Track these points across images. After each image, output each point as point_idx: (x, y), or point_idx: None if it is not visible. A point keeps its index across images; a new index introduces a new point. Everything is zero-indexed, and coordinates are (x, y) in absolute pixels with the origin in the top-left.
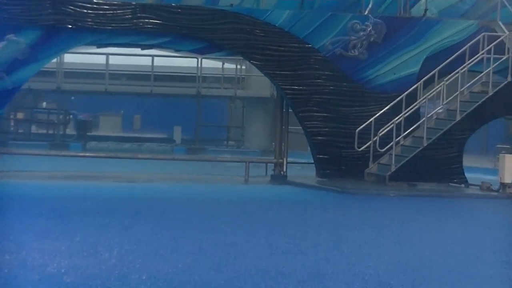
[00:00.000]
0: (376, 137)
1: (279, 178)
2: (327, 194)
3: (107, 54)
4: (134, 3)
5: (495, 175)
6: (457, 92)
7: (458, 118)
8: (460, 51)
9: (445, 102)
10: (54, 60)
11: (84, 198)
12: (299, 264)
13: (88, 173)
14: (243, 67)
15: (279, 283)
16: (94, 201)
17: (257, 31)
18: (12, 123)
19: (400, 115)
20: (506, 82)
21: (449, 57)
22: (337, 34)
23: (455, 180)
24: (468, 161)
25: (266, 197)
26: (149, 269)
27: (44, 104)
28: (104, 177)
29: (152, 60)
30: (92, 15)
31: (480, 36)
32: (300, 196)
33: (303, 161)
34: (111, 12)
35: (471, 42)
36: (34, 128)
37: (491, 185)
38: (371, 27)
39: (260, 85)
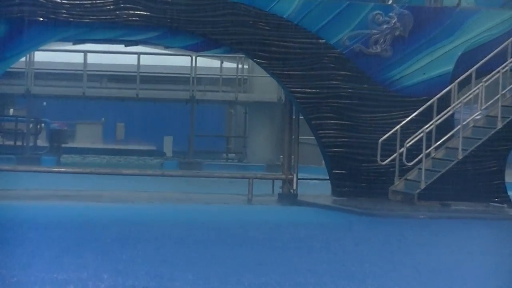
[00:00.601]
0: (403, 149)
1: (288, 197)
2: (345, 216)
3: (85, 52)
4: None
5: None
6: (498, 95)
7: (500, 125)
8: (501, 46)
9: (484, 107)
10: (23, 59)
11: (56, 222)
12: None
13: (62, 192)
14: (245, 66)
15: None
16: (68, 226)
17: (261, 24)
18: None
19: (430, 123)
20: None
21: (488, 54)
22: (356, 27)
23: (496, 199)
24: (511, 176)
25: (273, 220)
26: None
27: (11, 110)
28: (81, 197)
29: (138, 59)
30: (67, 6)
31: None
32: (313, 218)
33: (316, 177)
34: (90, 2)
35: None
36: None
37: None
38: (396, 19)
39: (265, 87)
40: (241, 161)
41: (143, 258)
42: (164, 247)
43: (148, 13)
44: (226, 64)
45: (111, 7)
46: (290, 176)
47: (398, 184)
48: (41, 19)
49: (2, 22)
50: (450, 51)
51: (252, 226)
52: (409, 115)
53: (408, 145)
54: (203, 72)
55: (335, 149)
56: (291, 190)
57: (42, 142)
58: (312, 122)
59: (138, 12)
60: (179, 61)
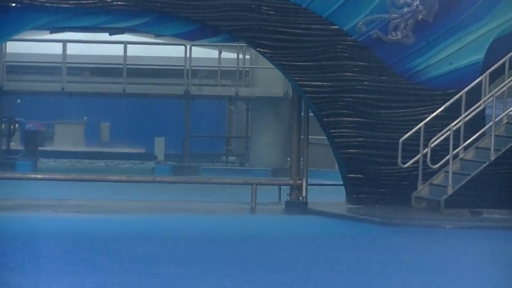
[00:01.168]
0: (427, 149)
1: (297, 205)
2: (362, 226)
3: (64, 42)
4: None
5: None
6: None
7: None
8: None
9: None
10: None
11: (31, 234)
12: None
13: (39, 201)
14: (247, 57)
15: None
16: (45, 239)
17: (264, 8)
18: None
19: (458, 119)
20: None
21: None
22: (373, 11)
23: None
24: None
25: (280, 231)
26: None
27: None
28: (60, 207)
29: (125, 49)
30: None
31: None
32: (325, 229)
33: (328, 182)
34: None
35: None
36: None
37: None
38: (418, 2)
39: (270, 81)
40: (243, 165)
41: (129, 277)
42: (154, 264)
43: None
44: (225, 55)
45: None
46: (299, 182)
47: (422, 189)
48: (13, 4)
49: None
50: (480, 38)
51: (256, 239)
52: (434, 111)
53: (433, 145)
54: (199, 63)
55: (350, 150)
56: (300, 198)
57: (16, 145)
58: (324, 119)
59: None
60: (172, 51)
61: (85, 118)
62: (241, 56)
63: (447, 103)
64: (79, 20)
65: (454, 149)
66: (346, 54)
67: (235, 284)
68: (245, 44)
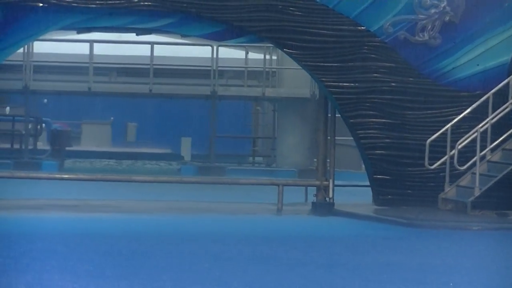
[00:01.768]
0: (454, 151)
1: (324, 206)
2: (388, 228)
3: (91, 42)
4: None
5: None
6: None
7: None
8: None
9: None
10: (20, 50)
11: (58, 235)
12: None
13: (65, 201)
14: (274, 57)
15: None
16: (71, 239)
17: (291, 9)
18: None
19: (486, 121)
20: None
21: None
22: (400, 12)
23: None
24: None
25: (306, 232)
26: None
27: (7, 109)
28: (86, 207)
29: (152, 50)
30: None
31: None
32: (352, 230)
33: (355, 183)
34: None
35: None
36: None
37: None
38: (445, 3)
39: (297, 81)
40: (270, 165)
41: (157, 277)
42: (182, 263)
43: None
44: (252, 55)
45: None
46: (325, 183)
47: (449, 191)
48: (41, 4)
49: None
50: (507, 39)
51: (283, 240)
52: (461, 112)
53: (460, 146)
54: (226, 64)
55: (376, 151)
56: (327, 198)
57: (42, 144)
58: (351, 120)
59: None
60: (198, 51)
61: (112, 118)
62: (267, 56)
63: (474, 105)
64: (105, 20)
65: (481, 151)
66: (373, 55)
67: (261, 284)
68: (272, 45)
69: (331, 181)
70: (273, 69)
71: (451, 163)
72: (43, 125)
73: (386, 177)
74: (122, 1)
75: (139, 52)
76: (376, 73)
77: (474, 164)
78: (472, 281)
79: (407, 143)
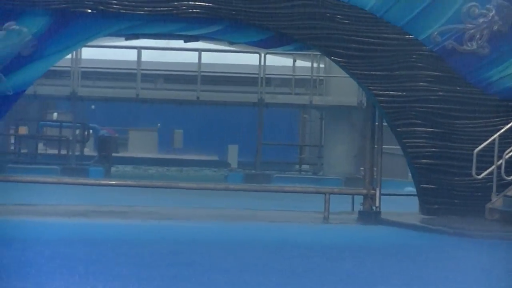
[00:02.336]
0: (501, 161)
1: (370, 215)
2: (435, 237)
3: (139, 49)
4: None
5: None
6: None
7: None
8: None
9: None
10: (68, 56)
11: (106, 241)
12: None
13: (112, 207)
14: (321, 65)
15: None
16: (117, 246)
17: (339, 17)
18: (12, 141)
19: None
20: None
21: None
22: (448, 21)
23: None
24: None
25: (353, 241)
26: None
27: (55, 115)
28: (133, 214)
29: (199, 57)
30: None
31: None
32: (399, 240)
33: (401, 192)
34: None
35: None
36: (41, 147)
37: None
38: (494, 12)
39: (344, 90)
40: (316, 173)
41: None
42: (228, 271)
43: (211, 4)
44: (299, 63)
45: None
46: (372, 191)
47: (497, 201)
48: (89, 10)
49: (44, 15)
50: None
51: (328, 248)
52: (509, 122)
53: (507, 156)
54: (273, 71)
55: (423, 161)
56: (374, 207)
57: (89, 151)
58: (398, 129)
59: (200, 3)
60: (246, 59)
61: (159, 124)
62: (315, 64)
63: None
64: (154, 27)
65: None
66: (420, 64)
67: None
68: (319, 53)
69: (377, 189)
70: (320, 77)
71: (498, 173)
72: (90, 131)
73: (432, 186)
74: (170, 8)
75: (187, 59)
76: (423, 82)
77: None
78: None
79: (454, 153)
